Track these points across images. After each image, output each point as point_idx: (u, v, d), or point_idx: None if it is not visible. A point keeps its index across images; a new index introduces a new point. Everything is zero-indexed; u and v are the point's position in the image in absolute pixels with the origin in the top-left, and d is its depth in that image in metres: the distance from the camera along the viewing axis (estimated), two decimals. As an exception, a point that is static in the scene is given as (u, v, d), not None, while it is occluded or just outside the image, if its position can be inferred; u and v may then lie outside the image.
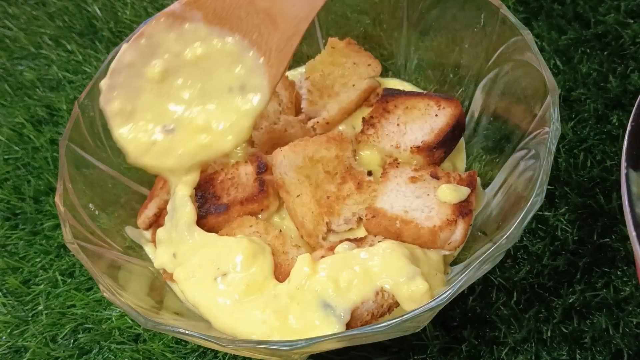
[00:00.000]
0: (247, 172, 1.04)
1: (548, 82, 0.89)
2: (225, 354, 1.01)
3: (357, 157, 1.07)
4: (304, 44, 1.27)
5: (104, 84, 0.95)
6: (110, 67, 0.94)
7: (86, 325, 1.08)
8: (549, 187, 1.06)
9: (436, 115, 1.05)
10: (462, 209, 0.93)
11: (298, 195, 1.00)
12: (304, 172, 1.01)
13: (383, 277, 0.85)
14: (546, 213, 1.07)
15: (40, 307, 1.12)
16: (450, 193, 0.94)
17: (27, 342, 1.08)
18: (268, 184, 1.02)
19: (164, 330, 0.79)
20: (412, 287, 0.84)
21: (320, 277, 0.86)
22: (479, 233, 0.95)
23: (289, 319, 0.86)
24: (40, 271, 1.17)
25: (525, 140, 0.93)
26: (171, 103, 0.96)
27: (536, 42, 0.97)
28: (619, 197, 1.06)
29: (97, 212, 1.01)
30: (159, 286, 1.00)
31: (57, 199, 0.93)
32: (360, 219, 0.99)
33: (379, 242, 0.92)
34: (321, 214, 0.98)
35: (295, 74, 1.25)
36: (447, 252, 0.95)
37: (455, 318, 0.99)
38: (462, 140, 1.11)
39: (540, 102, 0.90)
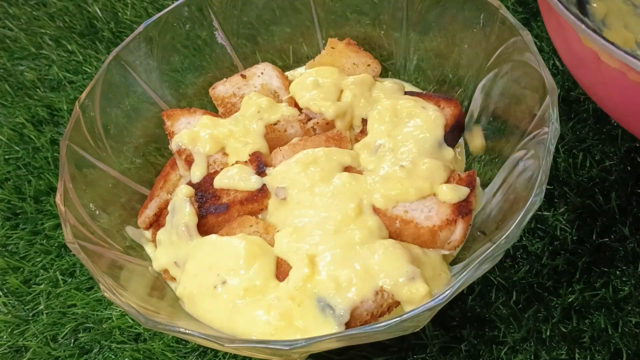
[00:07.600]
0: (247, 172, 1.04)
1: (547, 82, 0.89)
2: (225, 353, 1.01)
3: (357, 157, 1.07)
4: (304, 44, 1.28)
5: None
6: None
7: (87, 325, 1.09)
8: (548, 187, 1.06)
9: (436, 115, 1.05)
10: (462, 208, 0.93)
11: (298, 195, 1.00)
12: (304, 172, 1.01)
13: (382, 277, 0.85)
14: (545, 213, 1.07)
15: (41, 307, 1.12)
16: (449, 193, 0.94)
17: (27, 341, 1.08)
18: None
19: (164, 329, 0.79)
20: (412, 289, 0.84)
21: (320, 277, 0.87)
22: (479, 233, 0.95)
23: (290, 319, 0.86)
24: (41, 271, 1.17)
25: (525, 140, 0.93)
26: None
27: (535, 43, 0.97)
28: (618, 197, 1.06)
29: (97, 212, 1.01)
30: (160, 286, 1.00)
31: (58, 199, 0.93)
32: (360, 218, 0.99)
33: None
34: (321, 214, 0.98)
35: (295, 74, 1.25)
36: (446, 252, 0.95)
37: (454, 317, 0.99)
38: (461, 141, 1.11)
39: (539, 102, 0.90)
